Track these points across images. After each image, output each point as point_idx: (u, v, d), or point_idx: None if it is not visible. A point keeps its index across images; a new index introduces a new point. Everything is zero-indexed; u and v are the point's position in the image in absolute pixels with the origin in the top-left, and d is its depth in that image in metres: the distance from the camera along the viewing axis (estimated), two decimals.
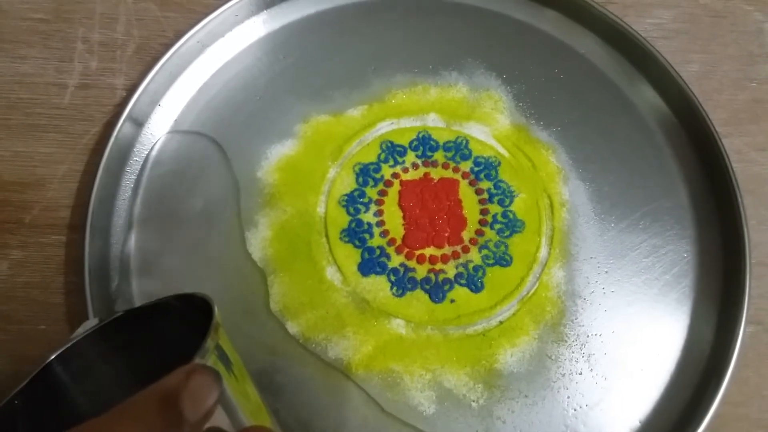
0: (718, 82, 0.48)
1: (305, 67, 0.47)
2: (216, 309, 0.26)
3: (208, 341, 0.23)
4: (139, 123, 0.44)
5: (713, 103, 0.46)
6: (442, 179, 0.43)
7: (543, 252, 0.41)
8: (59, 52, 0.47)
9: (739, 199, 0.41)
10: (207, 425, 0.21)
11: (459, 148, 0.44)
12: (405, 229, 0.42)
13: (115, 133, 0.42)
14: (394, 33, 0.48)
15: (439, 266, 0.41)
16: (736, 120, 0.47)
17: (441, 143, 0.44)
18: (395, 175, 0.43)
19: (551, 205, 0.43)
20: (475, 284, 0.40)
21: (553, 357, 0.38)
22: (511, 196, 0.43)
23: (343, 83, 0.46)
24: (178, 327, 0.29)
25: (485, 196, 0.43)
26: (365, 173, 0.43)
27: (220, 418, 0.22)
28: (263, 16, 0.49)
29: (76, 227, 0.41)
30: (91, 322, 0.32)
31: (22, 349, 0.39)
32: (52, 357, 0.30)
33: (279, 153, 0.44)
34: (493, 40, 0.48)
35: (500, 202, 0.43)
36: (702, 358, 0.39)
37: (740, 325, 0.38)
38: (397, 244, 0.41)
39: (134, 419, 0.19)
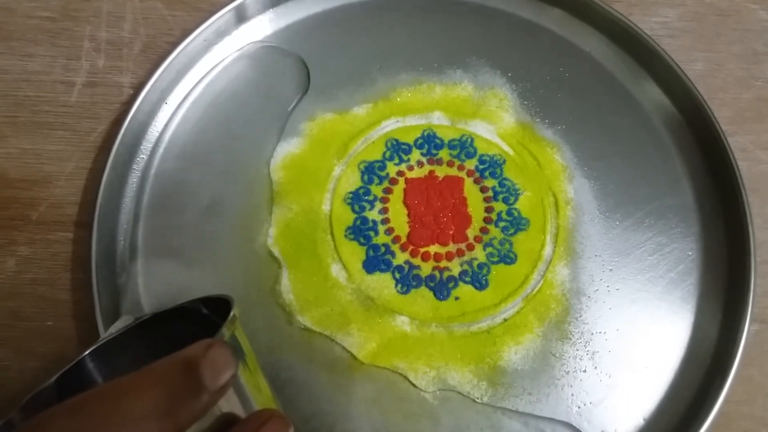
0: (723, 81, 0.48)
1: (311, 66, 0.47)
2: (235, 306, 0.27)
3: (224, 328, 0.25)
4: (145, 121, 0.44)
5: (718, 101, 0.46)
6: (446, 177, 0.43)
7: (548, 250, 0.41)
8: (66, 50, 0.47)
9: (744, 198, 0.41)
10: (224, 410, 0.22)
11: (464, 146, 0.44)
12: (410, 226, 0.42)
13: (122, 131, 0.42)
14: (399, 31, 0.48)
15: (443, 264, 0.41)
16: (741, 118, 0.47)
17: (446, 141, 0.45)
18: (400, 173, 0.43)
19: (556, 203, 0.43)
20: (479, 282, 0.40)
21: (557, 354, 0.38)
22: (516, 194, 0.43)
23: (348, 81, 0.46)
24: (198, 331, 0.30)
25: (490, 194, 0.43)
26: (370, 171, 0.43)
27: (234, 405, 0.24)
28: (269, 14, 0.49)
29: (83, 224, 0.42)
30: (124, 321, 0.33)
31: (29, 345, 0.39)
32: (86, 353, 0.31)
33: (284, 151, 0.44)
34: (498, 38, 0.48)
35: (505, 200, 0.43)
36: (706, 356, 0.39)
37: (745, 324, 0.38)
38: (401, 242, 0.41)
39: (157, 379, 0.21)
